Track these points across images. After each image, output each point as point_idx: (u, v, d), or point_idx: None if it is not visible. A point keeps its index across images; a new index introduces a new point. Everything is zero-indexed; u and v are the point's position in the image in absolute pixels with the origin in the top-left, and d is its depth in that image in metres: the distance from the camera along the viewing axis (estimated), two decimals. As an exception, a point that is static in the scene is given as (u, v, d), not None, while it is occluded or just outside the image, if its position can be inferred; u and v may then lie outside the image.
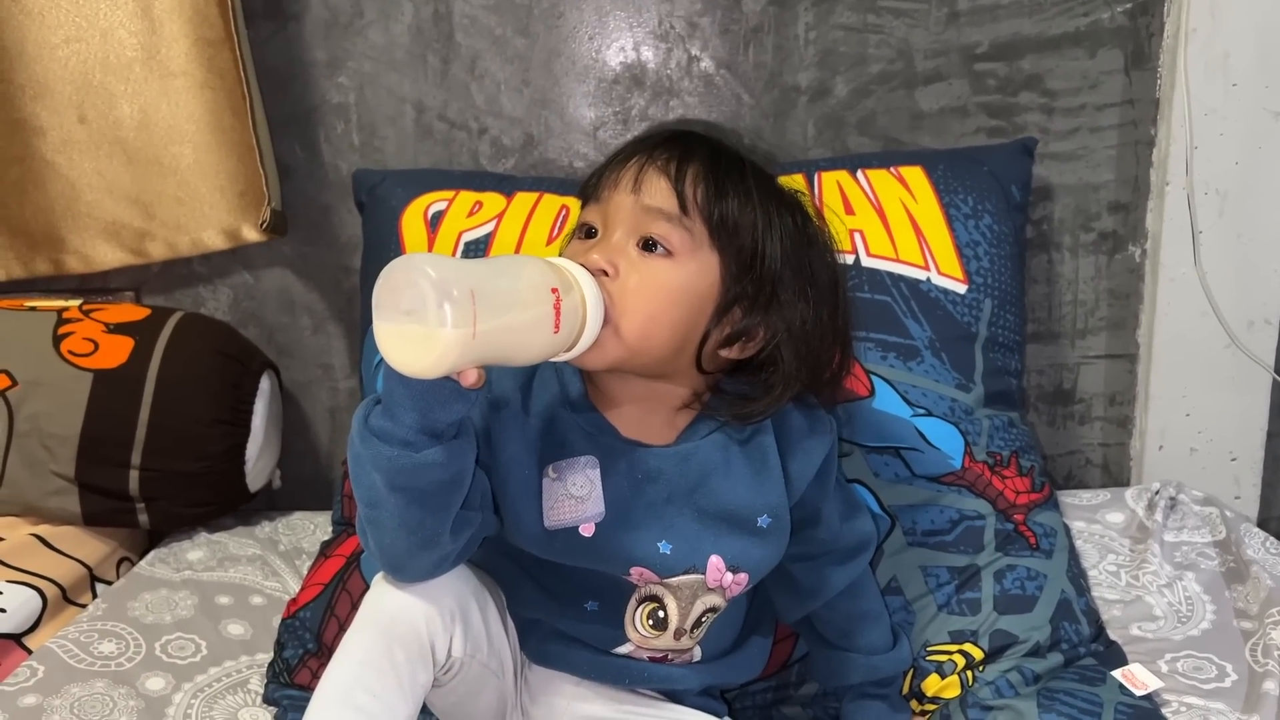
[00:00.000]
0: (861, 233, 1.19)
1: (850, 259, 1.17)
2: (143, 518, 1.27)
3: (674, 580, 0.84)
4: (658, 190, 0.80)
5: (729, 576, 0.84)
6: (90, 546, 1.26)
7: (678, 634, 0.85)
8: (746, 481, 0.85)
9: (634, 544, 0.82)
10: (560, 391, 0.86)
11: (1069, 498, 1.31)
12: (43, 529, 1.24)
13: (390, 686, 0.74)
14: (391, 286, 0.66)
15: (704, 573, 0.84)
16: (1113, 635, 1.05)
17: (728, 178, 0.81)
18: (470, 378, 0.69)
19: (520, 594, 0.87)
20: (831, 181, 1.24)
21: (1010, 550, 1.05)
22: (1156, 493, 1.28)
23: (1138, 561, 1.16)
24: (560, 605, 0.85)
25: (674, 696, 0.88)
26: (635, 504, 0.83)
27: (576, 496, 0.82)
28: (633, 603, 0.85)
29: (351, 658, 0.76)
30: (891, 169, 1.25)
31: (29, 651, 1.08)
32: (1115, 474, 1.46)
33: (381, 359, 1.23)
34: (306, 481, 1.47)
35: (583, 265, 0.77)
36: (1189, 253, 1.32)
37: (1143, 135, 1.35)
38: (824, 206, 1.21)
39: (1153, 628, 1.06)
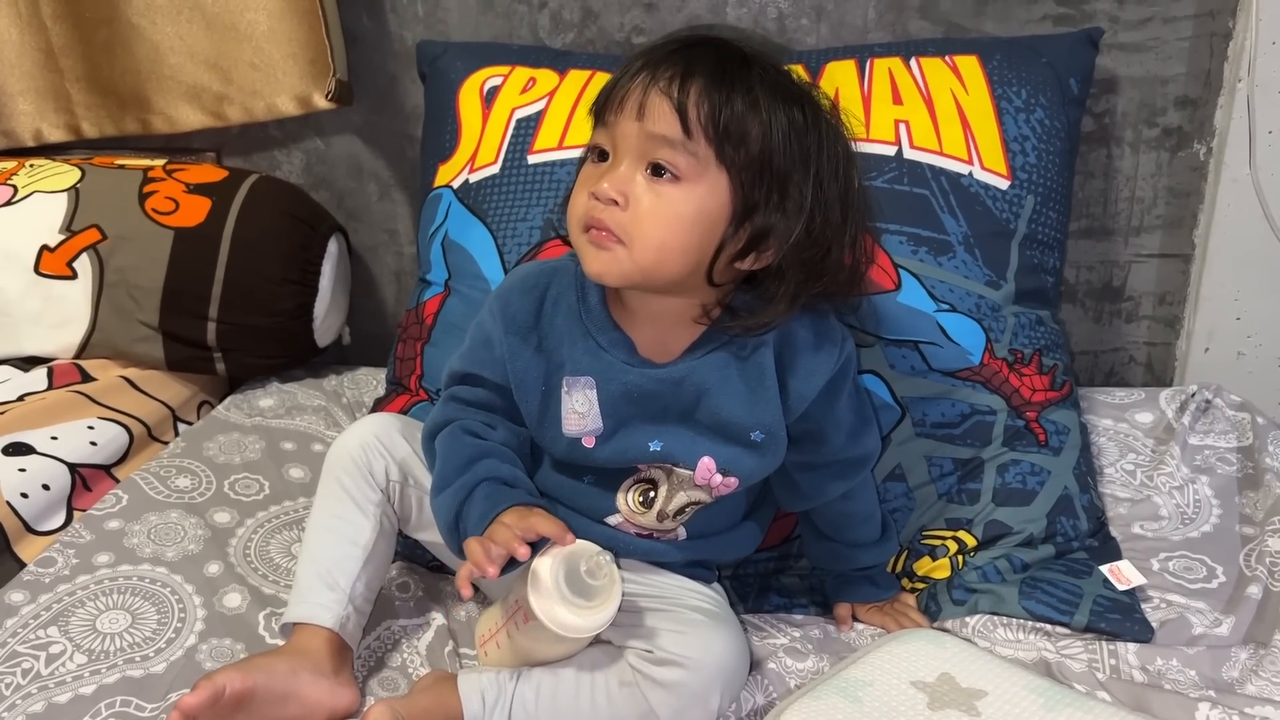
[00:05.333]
0: (907, 124, 1.19)
1: (892, 150, 1.17)
2: (220, 366, 1.39)
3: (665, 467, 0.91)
4: (661, 115, 0.82)
5: (718, 478, 0.90)
6: (173, 389, 1.37)
7: (660, 516, 0.92)
8: (742, 398, 0.89)
9: (628, 449, 0.90)
10: (577, 303, 0.92)
11: (1103, 395, 1.32)
12: (131, 372, 1.36)
13: (347, 505, 0.95)
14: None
15: (693, 470, 0.90)
16: (1114, 532, 1.08)
17: (732, 90, 0.82)
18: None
19: (542, 470, 0.96)
20: (883, 69, 1.23)
21: (1017, 446, 1.08)
22: (1192, 395, 1.28)
23: (1155, 462, 1.18)
24: (564, 477, 0.94)
25: (661, 565, 0.95)
26: (631, 418, 0.90)
27: (579, 412, 0.90)
28: (629, 480, 0.92)
29: (318, 496, 0.98)
30: (946, 58, 1.23)
31: (116, 481, 1.21)
32: (1159, 373, 1.45)
33: (435, 230, 1.30)
34: (373, 339, 1.56)
35: (593, 195, 0.83)
36: (1256, 153, 1.29)
37: (1219, 27, 1.30)
38: (870, 97, 1.21)
39: (1154, 527, 1.09)
